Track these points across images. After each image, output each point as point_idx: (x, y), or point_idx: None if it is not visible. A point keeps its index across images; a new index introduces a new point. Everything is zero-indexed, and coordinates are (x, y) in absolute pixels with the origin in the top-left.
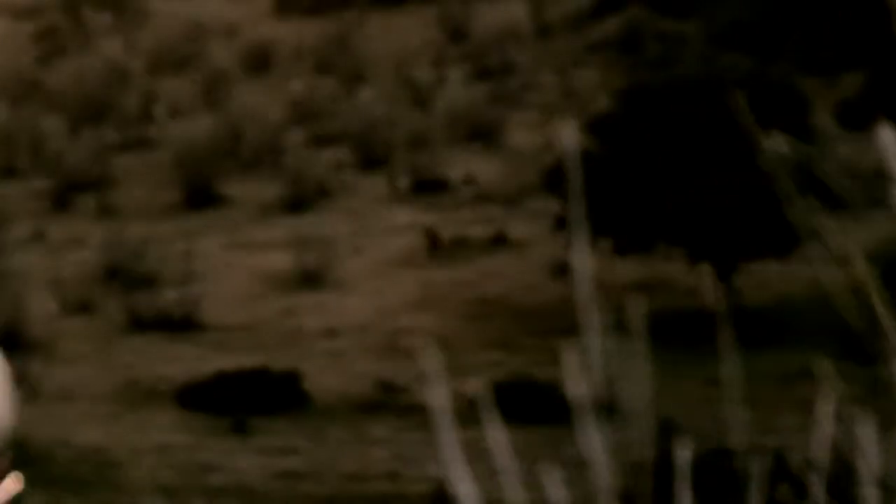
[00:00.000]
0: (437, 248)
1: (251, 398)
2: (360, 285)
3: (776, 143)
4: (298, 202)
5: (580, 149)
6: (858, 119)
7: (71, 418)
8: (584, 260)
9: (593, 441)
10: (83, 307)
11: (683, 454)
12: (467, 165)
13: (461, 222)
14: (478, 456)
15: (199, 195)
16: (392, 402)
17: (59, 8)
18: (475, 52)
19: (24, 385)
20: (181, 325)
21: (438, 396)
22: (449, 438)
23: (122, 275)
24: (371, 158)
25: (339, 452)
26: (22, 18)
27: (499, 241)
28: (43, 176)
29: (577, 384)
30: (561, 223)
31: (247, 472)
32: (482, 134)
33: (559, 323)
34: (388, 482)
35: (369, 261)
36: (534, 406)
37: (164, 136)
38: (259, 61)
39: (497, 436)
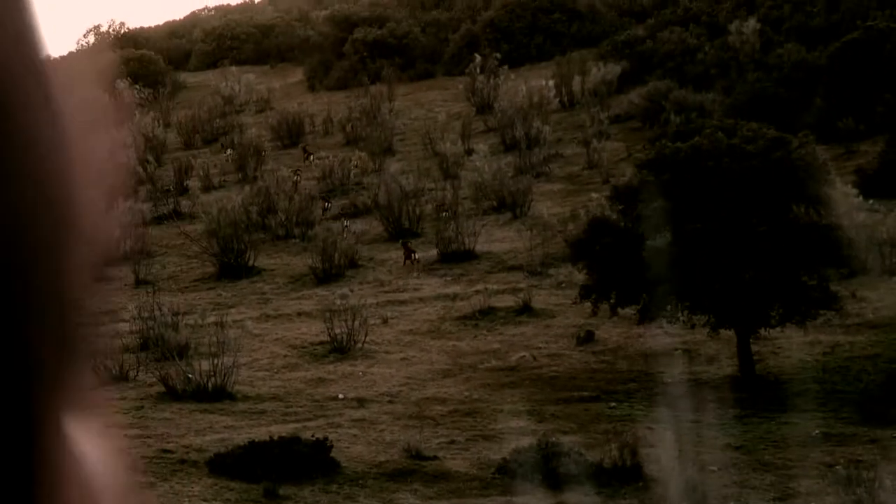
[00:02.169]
0: (413, 261)
1: (282, 466)
2: (389, 354)
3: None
4: (328, 273)
5: (605, 219)
6: (878, 186)
7: None
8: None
9: None
10: (119, 377)
11: None
12: (493, 235)
13: (488, 292)
14: None
15: (231, 266)
16: (420, 470)
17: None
18: (501, 123)
19: None
20: (214, 395)
21: (466, 464)
22: None
23: (156, 346)
24: (399, 230)
25: None
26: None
27: (525, 311)
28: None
29: (605, 451)
30: (586, 292)
31: None
32: (508, 204)
33: (584, 390)
34: None
35: (397, 330)
36: (559, 473)
37: (196, 207)
38: (290, 134)
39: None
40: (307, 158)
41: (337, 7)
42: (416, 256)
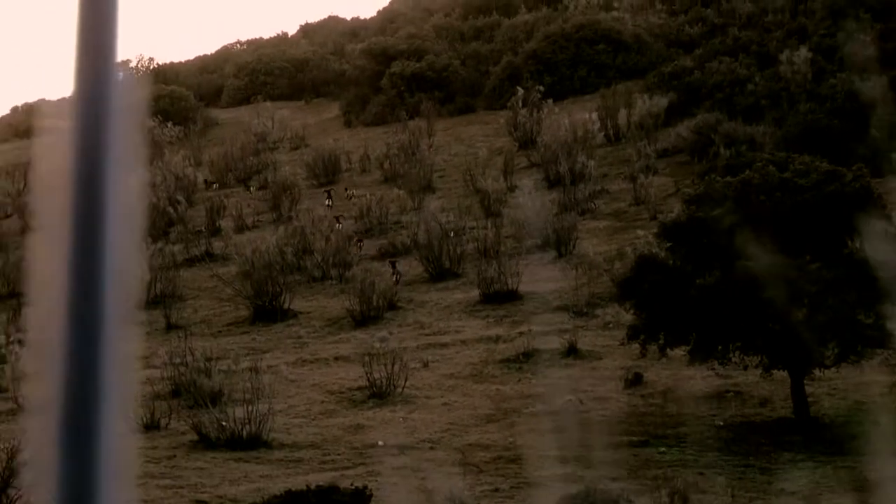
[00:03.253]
0: (398, 282)
1: None
2: (430, 399)
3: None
4: (366, 316)
5: (653, 257)
6: None
7: None
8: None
9: None
10: (150, 426)
11: None
12: (537, 274)
13: (532, 334)
14: None
15: (266, 309)
16: None
17: None
18: (545, 159)
19: None
20: (249, 443)
21: None
22: None
23: (189, 392)
24: (440, 270)
25: None
26: None
27: (570, 353)
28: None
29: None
30: (634, 333)
31: None
32: (553, 242)
33: (633, 435)
34: None
35: (439, 374)
36: None
37: (229, 248)
38: (326, 172)
39: None
40: (329, 200)
41: (373, 40)
42: (399, 276)
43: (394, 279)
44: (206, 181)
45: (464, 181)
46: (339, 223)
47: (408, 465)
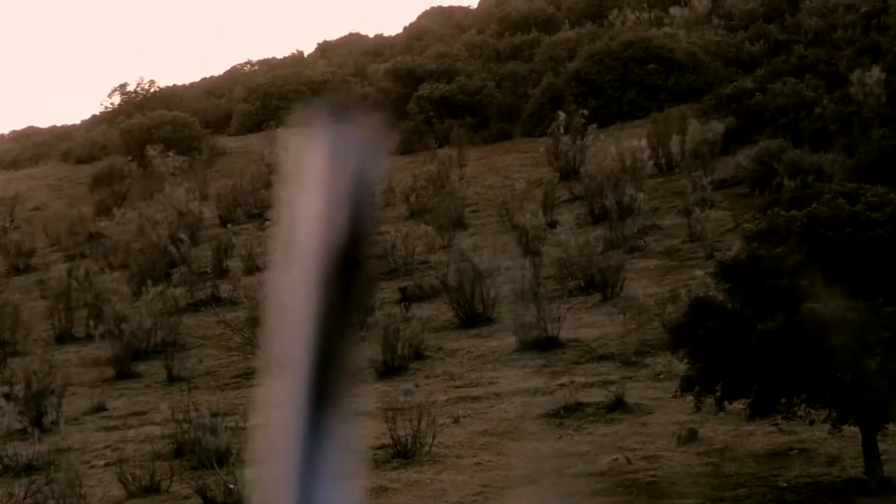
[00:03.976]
0: (407, 308)
1: None
2: (461, 459)
3: None
4: (390, 366)
5: (710, 299)
6: None
7: None
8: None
9: None
10: (149, 489)
11: None
12: (581, 319)
13: (574, 386)
14: None
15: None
16: None
17: (121, 148)
18: (589, 191)
19: None
20: None
21: None
22: None
23: (192, 451)
24: (472, 315)
25: None
26: (82, 160)
27: (617, 406)
28: (104, 340)
29: None
30: (688, 384)
31: None
32: (598, 284)
33: (687, 497)
34: None
35: (470, 431)
36: None
37: (238, 291)
38: None
39: None
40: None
41: (399, 59)
42: (408, 303)
43: (402, 309)
44: (221, 218)
45: (499, 216)
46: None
47: None
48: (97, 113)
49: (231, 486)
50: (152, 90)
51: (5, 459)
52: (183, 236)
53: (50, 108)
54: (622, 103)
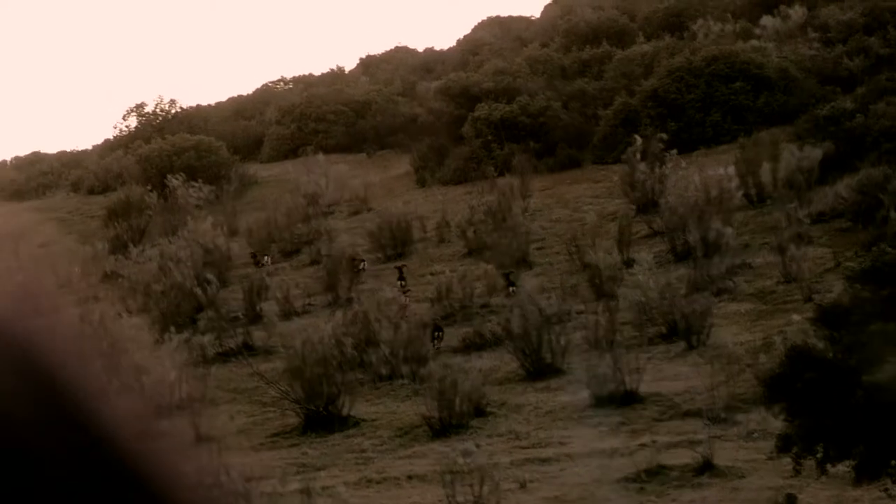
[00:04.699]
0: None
1: None
2: None
3: None
4: (447, 424)
5: (808, 348)
6: None
7: None
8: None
9: None
10: None
11: None
12: (662, 371)
13: (656, 446)
14: None
15: (320, 416)
16: None
17: (139, 177)
18: (669, 225)
19: None
20: None
21: None
22: None
23: None
24: (539, 365)
25: None
26: (95, 190)
27: (705, 469)
28: (119, 397)
29: None
30: (785, 444)
31: None
32: (681, 330)
33: None
34: None
35: (539, 497)
36: None
37: (273, 339)
38: (395, 242)
39: None
40: (358, 269)
41: (452, 76)
42: (441, 334)
43: (434, 341)
44: (254, 256)
45: (568, 254)
46: (406, 303)
47: None
48: (111, 137)
49: None
50: (173, 111)
51: None
52: (210, 276)
53: (58, 132)
54: (706, 126)
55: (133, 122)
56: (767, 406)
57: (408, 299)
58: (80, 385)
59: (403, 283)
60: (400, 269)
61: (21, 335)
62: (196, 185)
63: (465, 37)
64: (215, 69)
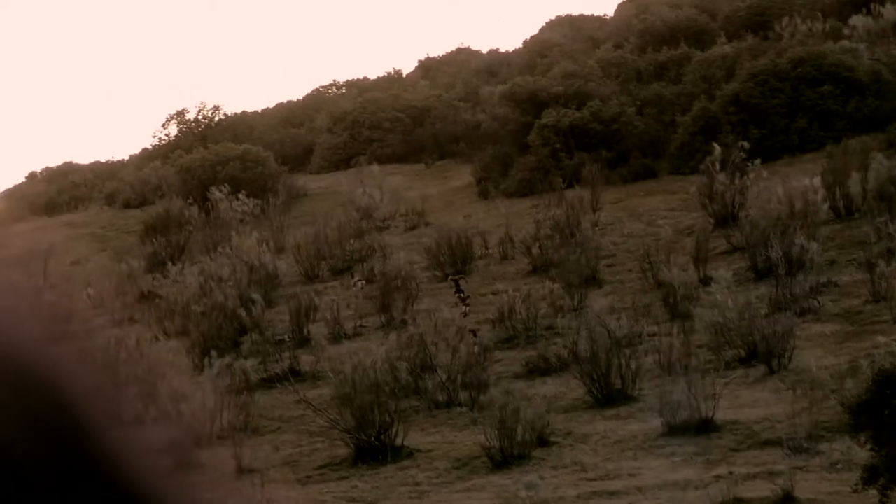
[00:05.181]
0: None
1: None
2: None
3: None
4: (508, 454)
5: None
6: None
7: None
8: None
9: None
10: None
11: None
12: (740, 397)
13: (734, 477)
14: None
15: (371, 446)
16: None
17: (179, 189)
18: (750, 240)
19: None
20: None
21: None
22: None
23: None
24: (608, 391)
25: None
26: (131, 204)
27: (786, 502)
28: (158, 423)
29: None
30: (872, 475)
31: None
32: (761, 353)
33: None
34: None
35: None
36: None
37: (322, 364)
38: (454, 259)
39: None
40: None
41: (518, 80)
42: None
43: (473, 344)
44: (306, 274)
45: (640, 271)
46: (465, 312)
47: None
48: (149, 146)
49: None
50: (217, 118)
51: None
52: (255, 296)
53: (91, 141)
54: (790, 133)
55: (173, 129)
56: (853, 435)
57: (467, 308)
58: (108, 415)
59: (461, 293)
60: (457, 281)
61: (46, 361)
62: (240, 197)
63: (532, 37)
64: (262, 73)
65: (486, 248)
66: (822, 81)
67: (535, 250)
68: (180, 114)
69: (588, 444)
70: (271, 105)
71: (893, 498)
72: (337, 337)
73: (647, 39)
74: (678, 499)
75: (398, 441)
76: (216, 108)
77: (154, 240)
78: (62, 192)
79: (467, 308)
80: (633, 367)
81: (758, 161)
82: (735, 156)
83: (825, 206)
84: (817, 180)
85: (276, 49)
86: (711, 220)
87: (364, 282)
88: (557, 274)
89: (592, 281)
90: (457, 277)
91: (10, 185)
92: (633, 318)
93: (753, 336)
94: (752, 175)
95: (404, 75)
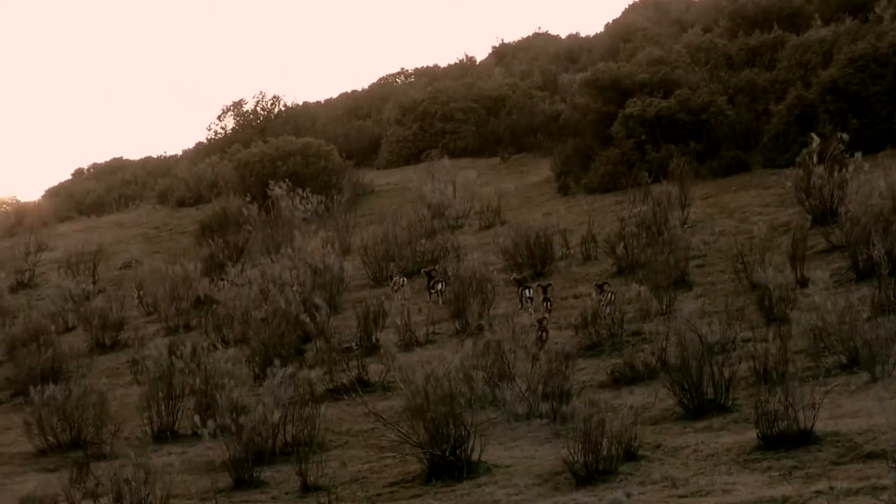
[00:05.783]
0: (544, 337)
1: None
2: None
3: None
4: (593, 470)
5: None
6: None
7: None
8: None
9: None
10: None
11: None
12: (841, 406)
13: (835, 493)
14: None
15: (446, 462)
16: None
17: (237, 186)
18: (851, 238)
19: None
20: None
21: None
22: None
23: None
24: (700, 402)
25: None
26: (185, 202)
27: None
28: (216, 438)
29: None
30: None
31: None
32: (864, 360)
33: None
34: None
35: None
36: None
37: (392, 373)
38: (533, 260)
39: None
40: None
41: (600, 67)
42: (546, 333)
43: (539, 335)
44: (375, 277)
45: (733, 272)
46: (541, 331)
47: None
48: (204, 140)
49: None
50: (276, 109)
51: None
52: (319, 301)
53: (142, 135)
54: (893, 123)
55: (230, 122)
56: None
57: (550, 304)
58: None
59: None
60: (520, 280)
61: None
62: (303, 194)
63: (614, 21)
64: (325, 61)
65: (567, 248)
66: None
67: (619, 250)
68: (237, 105)
69: (678, 457)
70: (335, 95)
71: None
72: (408, 344)
73: (738, 22)
74: None
75: (475, 456)
76: (276, 98)
77: (210, 241)
78: (111, 189)
79: (549, 304)
80: (726, 375)
81: (858, 153)
82: (833, 147)
83: None
84: None
85: (340, 35)
86: (808, 217)
87: (443, 284)
88: (644, 275)
89: (682, 283)
90: (520, 278)
91: (56, 183)
92: (726, 322)
93: (855, 341)
94: (851, 168)
95: (477, 62)
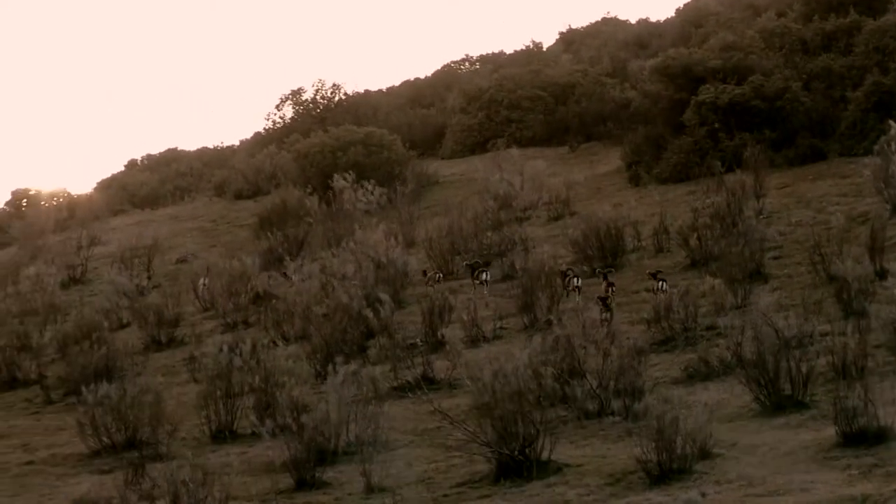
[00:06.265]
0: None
1: None
2: None
3: None
4: (666, 469)
5: None
6: None
7: None
8: None
9: None
10: None
11: None
12: None
13: None
14: None
15: (514, 461)
16: None
17: (297, 177)
18: None
19: None
20: None
21: None
22: None
23: None
24: (777, 398)
25: None
26: (243, 195)
27: None
28: (277, 437)
29: None
30: None
31: None
32: None
33: None
34: None
35: None
36: None
37: (458, 370)
38: (604, 253)
39: None
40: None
41: (671, 53)
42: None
43: (603, 316)
44: (441, 271)
45: (810, 264)
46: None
47: None
48: (262, 130)
49: None
50: (336, 98)
51: None
52: (382, 296)
53: (198, 125)
54: None
55: (289, 111)
56: None
57: (612, 288)
58: None
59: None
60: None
61: None
62: (365, 186)
63: (686, 5)
64: (386, 48)
65: (639, 240)
66: None
67: (692, 242)
68: (296, 94)
69: (755, 455)
70: (397, 83)
71: None
72: (474, 340)
73: (814, 6)
74: None
75: (544, 455)
76: (336, 87)
77: (270, 234)
78: (165, 181)
79: (612, 290)
80: (803, 370)
81: None
82: None
83: None
84: None
85: (402, 21)
86: (887, 207)
87: (487, 273)
88: (718, 268)
89: (757, 275)
90: (568, 271)
91: (108, 175)
92: (803, 315)
93: None
94: None
95: (544, 49)
